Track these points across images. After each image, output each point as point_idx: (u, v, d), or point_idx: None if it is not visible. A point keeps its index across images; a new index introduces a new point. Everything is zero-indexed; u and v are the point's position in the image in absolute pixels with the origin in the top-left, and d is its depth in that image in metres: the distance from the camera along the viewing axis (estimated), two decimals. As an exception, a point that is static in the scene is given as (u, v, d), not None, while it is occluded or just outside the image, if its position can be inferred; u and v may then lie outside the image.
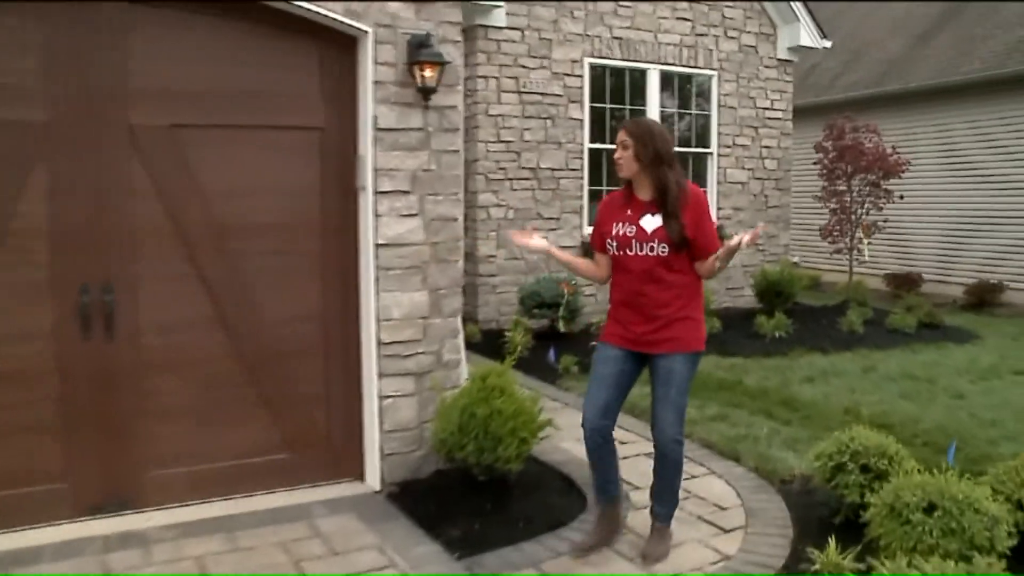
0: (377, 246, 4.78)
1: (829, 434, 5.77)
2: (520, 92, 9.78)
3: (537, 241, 4.03)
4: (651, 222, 3.74)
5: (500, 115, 9.68)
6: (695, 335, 3.81)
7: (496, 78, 9.63)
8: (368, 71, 4.71)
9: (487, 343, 8.71)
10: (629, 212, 3.81)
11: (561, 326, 8.76)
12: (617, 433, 3.96)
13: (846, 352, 8.75)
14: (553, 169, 10.06)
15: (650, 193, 3.79)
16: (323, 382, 4.90)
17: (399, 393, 4.89)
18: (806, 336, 9.31)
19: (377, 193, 4.76)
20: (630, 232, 3.77)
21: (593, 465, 3.98)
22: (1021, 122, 12.99)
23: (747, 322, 9.82)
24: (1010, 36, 13.59)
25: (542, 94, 9.90)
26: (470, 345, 8.71)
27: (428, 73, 4.70)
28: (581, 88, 10.17)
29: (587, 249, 10.22)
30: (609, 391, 3.84)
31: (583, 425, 3.86)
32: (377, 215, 4.77)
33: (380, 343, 4.82)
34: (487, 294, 9.74)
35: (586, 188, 10.31)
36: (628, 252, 3.78)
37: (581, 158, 10.22)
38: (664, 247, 3.69)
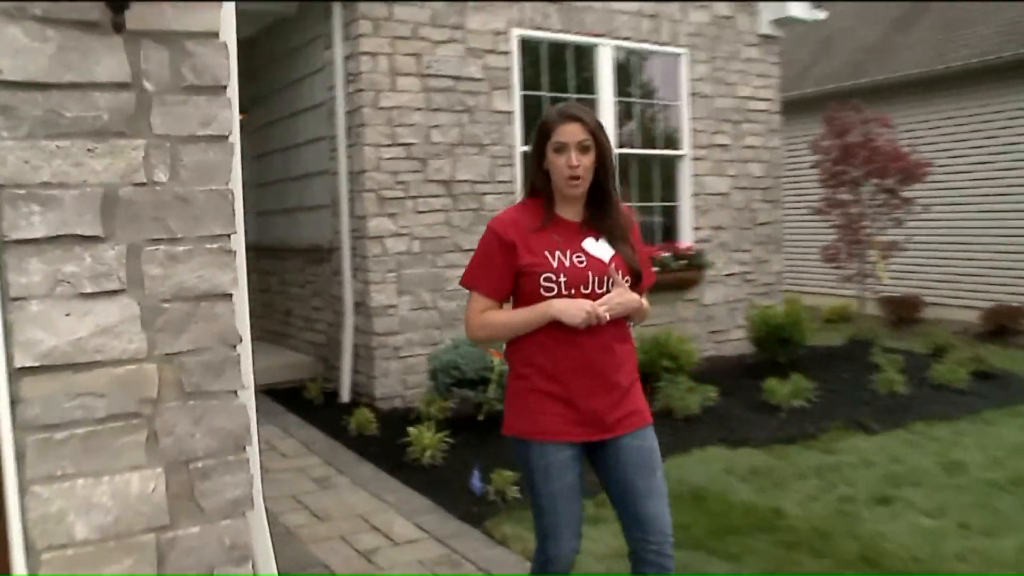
0: (16, 372, 1.97)
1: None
2: (423, 75, 6.96)
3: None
4: (601, 249, 2.68)
5: (396, 107, 6.85)
6: (646, 401, 2.83)
7: (388, 55, 6.81)
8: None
9: (386, 440, 5.86)
10: (556, 237, 2.67)
11: (487, 409, 5.89)
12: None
13: (897, 429, 6.16)
14: (474, 182, 7.22)
15: (581, 212, 2.73)
16: None
17: None
18: (835, 403, 6.68)
19: (11, 243, 1.96)
20: (579, 262, 2.63)
21: None
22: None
23: (747, 383, 7.18)
24: (1001, 17, 11.46)
25: (454, 78, 7.09)
26: (361, 443, 5.90)
27: (123, -58, 1.90)
28: (509, 69, 7.38)
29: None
30: (578, 504, 2.71)
31: (554, 557, 2.68)
32: (14, 298, 1.96)
33: (45, 602, 2.00)
34: (386, 360, 6.87)
35: (520, 206, 7.52)
36: (583, 291, 2.61)
37: (512, 165, 7.41)
38: (628, 281, 2.66)
